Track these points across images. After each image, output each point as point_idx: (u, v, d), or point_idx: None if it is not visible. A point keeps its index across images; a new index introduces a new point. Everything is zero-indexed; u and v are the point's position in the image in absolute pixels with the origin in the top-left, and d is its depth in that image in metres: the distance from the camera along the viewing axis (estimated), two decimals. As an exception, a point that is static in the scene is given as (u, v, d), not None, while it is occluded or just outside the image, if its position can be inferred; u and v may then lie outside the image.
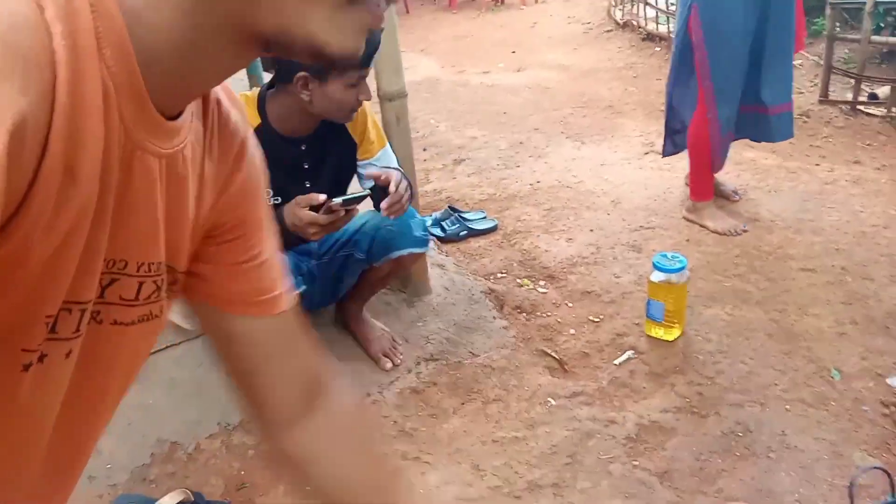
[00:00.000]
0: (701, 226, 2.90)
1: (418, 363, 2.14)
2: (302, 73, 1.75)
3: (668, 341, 2.25)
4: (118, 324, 0.58)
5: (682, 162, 3.36)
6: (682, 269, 2.17)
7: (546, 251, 2.81)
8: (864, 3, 3.56)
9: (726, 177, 3.23)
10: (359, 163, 2.00)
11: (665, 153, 3.08)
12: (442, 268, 2.56)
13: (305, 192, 1.78)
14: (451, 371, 2.13)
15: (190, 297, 0.69)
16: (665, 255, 2.23)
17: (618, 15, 5.94)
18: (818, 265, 2.60)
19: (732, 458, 1.85)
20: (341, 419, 0.81)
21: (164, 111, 0.51)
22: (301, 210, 1.72)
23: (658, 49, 5.29)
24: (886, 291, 2.44)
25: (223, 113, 0.62)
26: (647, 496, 1.75)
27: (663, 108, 3.09)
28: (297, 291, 1.63)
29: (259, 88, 1.91)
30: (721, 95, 2.68)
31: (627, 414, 2.01)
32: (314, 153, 1.93)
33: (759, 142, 3.06)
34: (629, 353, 2.24)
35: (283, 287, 0.73)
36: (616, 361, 2.22)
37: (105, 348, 0.58)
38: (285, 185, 1.80)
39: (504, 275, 2.69)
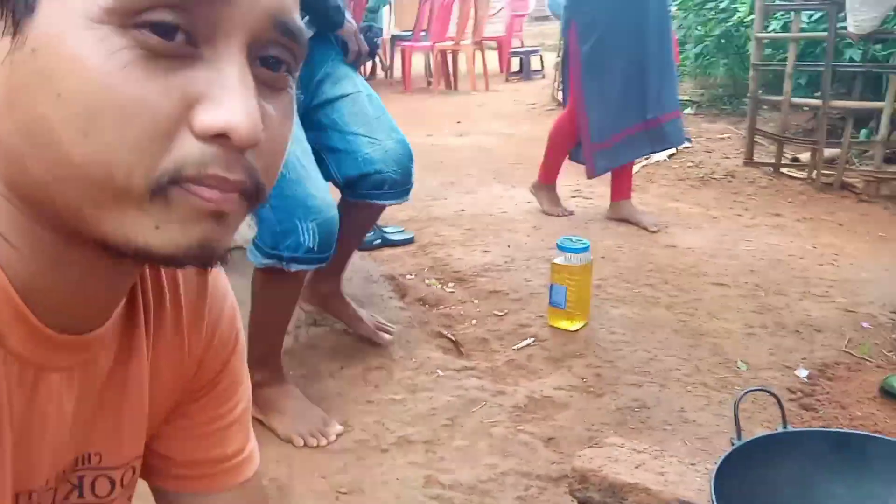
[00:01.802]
0: (539, 205, 3.33)
1: (298, 326, 1.98)
2: None
3: (570, 332, 2.13)
4: None
5: (606, 200, 3.37)
6: (584, 249, 2.09)
7: (459, 259, 2.71)
8: (786, 64, 3.72)
9: (648, 209, 3.25)
10: None
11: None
12: (343, 253, 2.43)
13: None
14: (334, 337, 1.97)
15: (150, 479, 0.67)
16: (569, 239, 2.15)
17: (560, 96, 6.16)
18: (731, 282, 2.55)
19: (626, 430, 1.70)
20: None
21: (71, 326, 0.49)
22: None
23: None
24: (799, 305, 2.37)
25: (164, 284, 0.59)
26: (528, 456, 1.58)
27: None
28: None
29: None
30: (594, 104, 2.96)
31: (518, 388, 1.86)
32: None
33: (658, 151, 3.28)
34: (529, 340, 2.11)
35: (251, 447, 0.69)
36: (515, 346, 2.08)
37: None
38: None
39: (412, 277, 2.57)
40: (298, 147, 1.56)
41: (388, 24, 8.49)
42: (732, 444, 1.25)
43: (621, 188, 3.22)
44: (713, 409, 1.78)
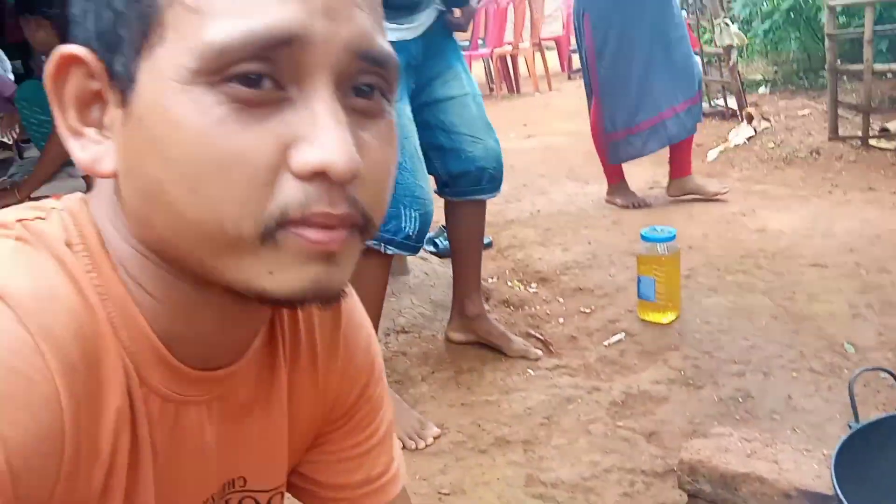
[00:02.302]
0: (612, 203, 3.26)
1: (388, 334, 1.99)
2: None
3: (663, 325, 2.07)
4: None
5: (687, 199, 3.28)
6: (670, 238, 2.03)
7: (539, 259, 2.68)
8: (864, 30, 3.54)
9: (732, 194, 3.18)
10: None
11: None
12: (424, 260, 2.45)
13: None
14: (423, 343, 1.98)
15: (303, 500, 0.69)
16: (654, 228, 2.09)
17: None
18: (830, 262, 2.43)
19: (732, 422, 1.63)
20: None
21: (209, 362, 0.52)
22: None
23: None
24: (905, 281, 2.24)
25: (299, 320, 0.60)
26: (630, 452, 1.54)
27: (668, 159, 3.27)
28: None
29: None
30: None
31: (614, 384, 1.82)
32: None
33: (675, 142, 3.15)
34: (620, 335, 2.06)
35: (396, 466, 0.69)
36: (606, 342, 2.04)
37: None
38: None
39: (494, 280, 2.55)
40: (411, 143, 1.63)
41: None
42: (850, 428, 1.18)
43: (681, 165, 3.23)
44: (823, 394, 1.69)
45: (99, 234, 0.47)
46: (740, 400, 1.70)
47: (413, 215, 1.60)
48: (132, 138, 0.44)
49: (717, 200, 3.18)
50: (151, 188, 0.43)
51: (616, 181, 3.30)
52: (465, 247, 1.93)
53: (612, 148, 3.16)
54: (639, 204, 3.22)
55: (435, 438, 1.61)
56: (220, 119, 0.41)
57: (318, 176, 0.42)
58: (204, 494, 0.57)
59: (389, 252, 1.62)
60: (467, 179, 1.84)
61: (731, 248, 2.61)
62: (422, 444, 1.59)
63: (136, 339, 0.47)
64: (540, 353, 1.93)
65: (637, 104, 3.03)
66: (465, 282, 1.95)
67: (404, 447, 1.58)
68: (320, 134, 0.42)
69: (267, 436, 0.59)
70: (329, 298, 0.45)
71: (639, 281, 2.09)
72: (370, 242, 1.52)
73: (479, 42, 7.69)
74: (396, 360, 1.90)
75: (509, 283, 2.50)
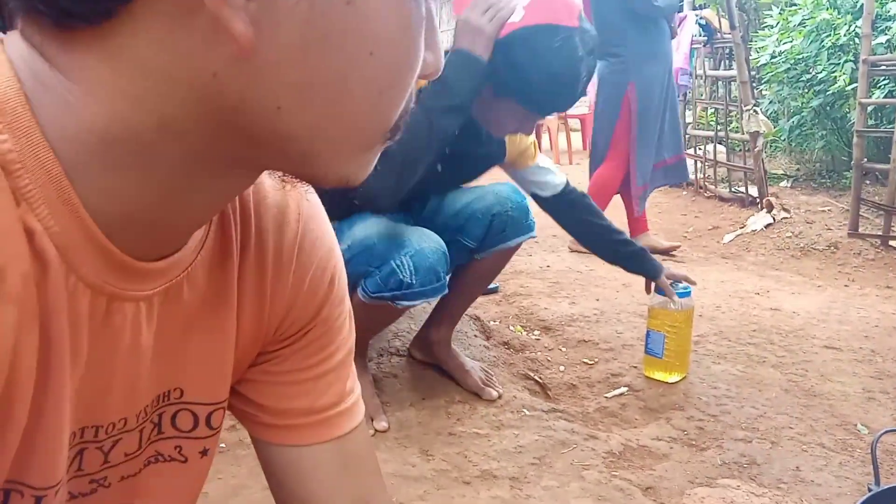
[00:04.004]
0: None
1: (381, 355, 1.91)
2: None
3: (667, 384, 1.98)
4: (126, 478, 0.53)
5: (698, 264, 3.22)
6: (686, 294, 1.96)
7: (545, 308, 2.60)
8: (893, 131, 3.54)
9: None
10: (517, 171, 1.86)
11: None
12: (428, 291, 2.37)
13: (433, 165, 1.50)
14: (416, 368, 1.88)
15: (245, 426, 0.63)
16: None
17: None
18: (844, 346, 2.34)
19: (738, 482, 1.52)
20: None
21: (151, 251, 0.45)
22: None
23: (685, 193, 5.31)
24: (923, 373, 2.15)
25: (263, 216, 0.55)
26: (624, 502, 1.43)
27: (685, 232, 3.65)
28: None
29: None
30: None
31: (612, 435, 1.71)
32: (466, 139, 1.57)
33: (666, 185, 3.94)
34: (623, 389, 1.97)
35: (351, 401, 0.63)
36: (607, 395, 1.94)
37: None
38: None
39: (497, 322, 2.47)
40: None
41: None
42: (869, 490, 1.09)
43: (638, 224, 3.59)
44: (833, 469, 1.58)
45: (22, 91, 0.38)
46: (745, 465, 1.60)
47: (404, 262, 1.49)
48: (328, 20, 0.36)
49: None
50: (328, 81, 0.38)
51: (639, 232, 3.55)
52: (468, 282, 1.83)
53: (642, 200, 3.51)
54: (670, 248, 3.53)
55: (378, 431, 1.60)
56: (419, 20, 0.40)
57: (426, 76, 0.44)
58: (135, 407, 0.51)
59: (404, 305, 1.55)
60: (492, 232, 1.72)
61: (743, 322, 2.53)
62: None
63: (62, 217, 0.39)
64: (496, 393, 1.79)
65: (653, 156, 3.53)
66: (446, 311, 1.86)
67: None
68: (436, 39, 0.43)
69: (212, 343, 0.53)
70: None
71: (647, 335, 2.01)
72: (378, 301, 1.50)
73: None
74: (387, 382, 1.81)
75: (512, 328, 2.42)
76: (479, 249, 1.75)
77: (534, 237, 1.89)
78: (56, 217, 0.39)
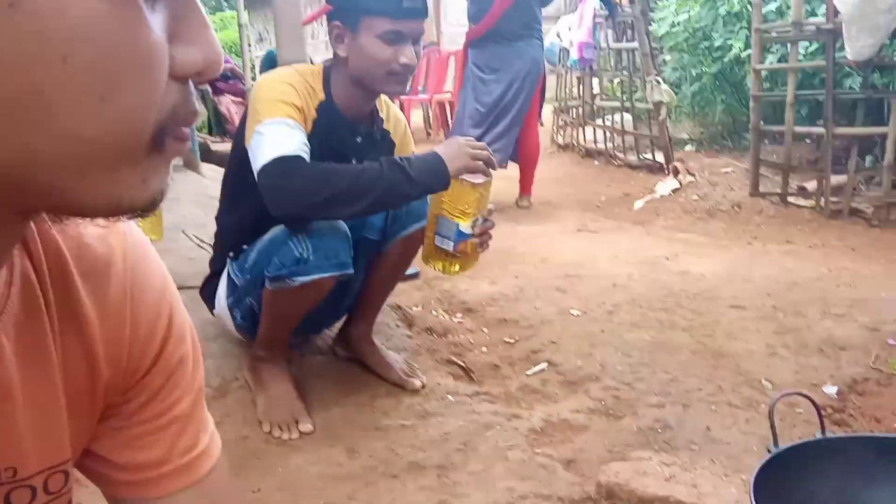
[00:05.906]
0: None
1: (303, 355, 1.89)
2: (335, 22, 1.59)
3: (584, 354, 2.04)
4: None
5: (612, 233, 3.32)
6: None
7: (466, 290, 2.64)
8: (786, 97, 3.71)
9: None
10: None
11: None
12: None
13: None
14: (340, 366, 1.89)
15: (100, 487, 0.59)
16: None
17: (559, 139, 6.19)
18: (748, 304, 2.47)
19: (650, 452, 1.59)
20: None
21: None
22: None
23: (597, 163, 5.44)
24: (820, 324, 2.29)
25: (84, 269, 0.51)
26: (547, 479, 1.48)
27: (598, 202, 3.66)
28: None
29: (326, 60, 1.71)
30: None
31: (534, 412, 1.77)
32: (363, 151, 1.69)
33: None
34: (543, 365, 2.02)
35: (207, 441, 0.60)
36: (528, 372, 1.99)
37: None
38: None
39: (419, 308, 2.49)
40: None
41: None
42: (769, 453, 1.16)
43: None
44: (741, 427, 1.68)
45: None
46: (659, 430, 1.68)
47: (300, 239, 1.51)
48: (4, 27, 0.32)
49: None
50: (25, 100, 0.33)
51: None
52: (380, 274, 1.82)
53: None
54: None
55: (303, 434, 1.62)
56: (135, 10, 0.35)
57: (195, 75, 0.39)
58: None
59: (301, 281, 1.52)
60: (390, 223, 1.74)
61: (654, 288, 2.63)
62: (285, 436, 1.61)
63: None
64: (419, 383, 1.82)
65: None
66: (364, 306, 1.87)
67: (271, 433, 1.62)
68: (201, 33, 0.39)
69: (40, 409, 0.49)
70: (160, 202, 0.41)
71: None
72: (278, 285, 1.51)
73: (420, 89, 7.82)
74: (311, 383, 1.80)
75: (434, 313, 2.44)
76: (384, 241, 1.76)
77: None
78: None
